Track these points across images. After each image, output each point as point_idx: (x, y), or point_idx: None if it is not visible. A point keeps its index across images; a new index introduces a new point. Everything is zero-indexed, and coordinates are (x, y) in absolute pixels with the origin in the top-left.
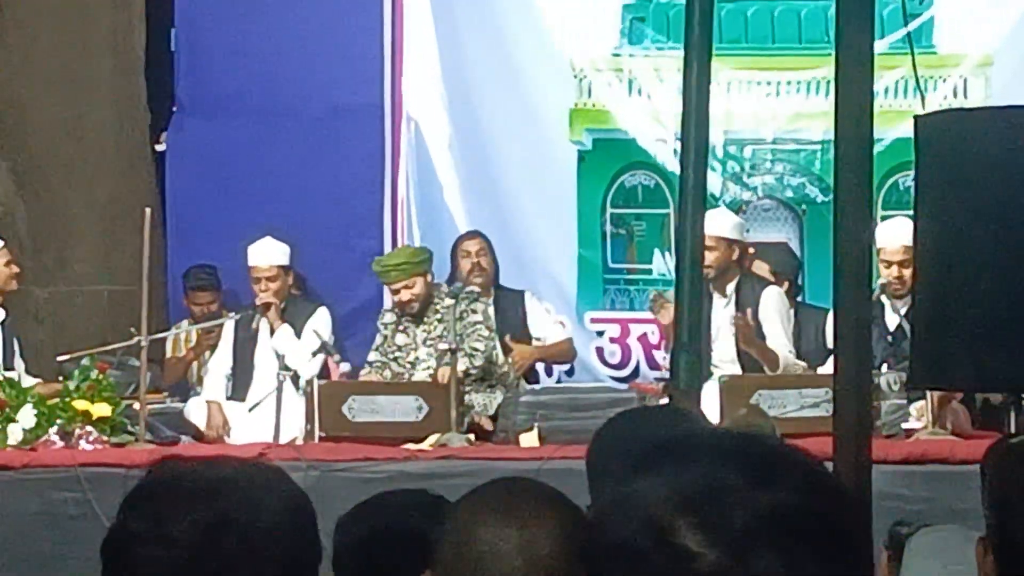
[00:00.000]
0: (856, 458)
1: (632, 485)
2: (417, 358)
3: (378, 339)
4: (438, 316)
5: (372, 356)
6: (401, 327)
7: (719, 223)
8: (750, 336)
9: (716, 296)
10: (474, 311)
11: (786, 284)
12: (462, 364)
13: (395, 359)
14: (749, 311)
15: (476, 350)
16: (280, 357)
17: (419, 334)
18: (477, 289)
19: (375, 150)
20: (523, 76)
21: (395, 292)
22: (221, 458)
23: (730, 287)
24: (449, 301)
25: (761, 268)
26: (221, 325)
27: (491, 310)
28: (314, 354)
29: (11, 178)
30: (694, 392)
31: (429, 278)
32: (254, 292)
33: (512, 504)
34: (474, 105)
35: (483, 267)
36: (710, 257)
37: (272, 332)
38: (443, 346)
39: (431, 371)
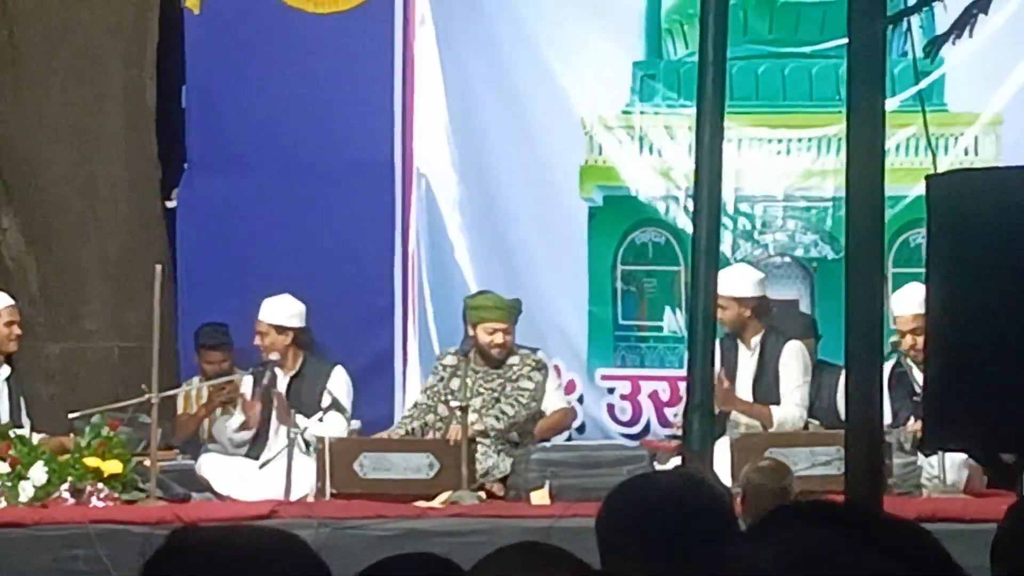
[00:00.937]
0: None
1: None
2: (468, 405)
3: (431, 380)
4: (498, 370)
5: (419, 398)
6: (459, 372)
7: (731, 282)
8: (728, 398)
9: (741, 347)
10: (530, 378)
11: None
12: (481, 424)
13: (445, 401)
14: (723, 370)
15: (504, 414)
16: (292, 416)
17: (476, 381)
18: (544, 360)
19: (385, 206)
20: (534, 133)
21: (489, 332)
22: (240, 527)
23: (755, 340)
24: (513, 359)
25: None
26: (231, 381)
27: (549, 384)
28: (325, 411)
29: (23, 234)
30: (707, 453)
31: (508, 335)
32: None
33: (530, 571)
34: (484, 162)
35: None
36: (723, 315)
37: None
38: (454, 404)
39: (475, 419)
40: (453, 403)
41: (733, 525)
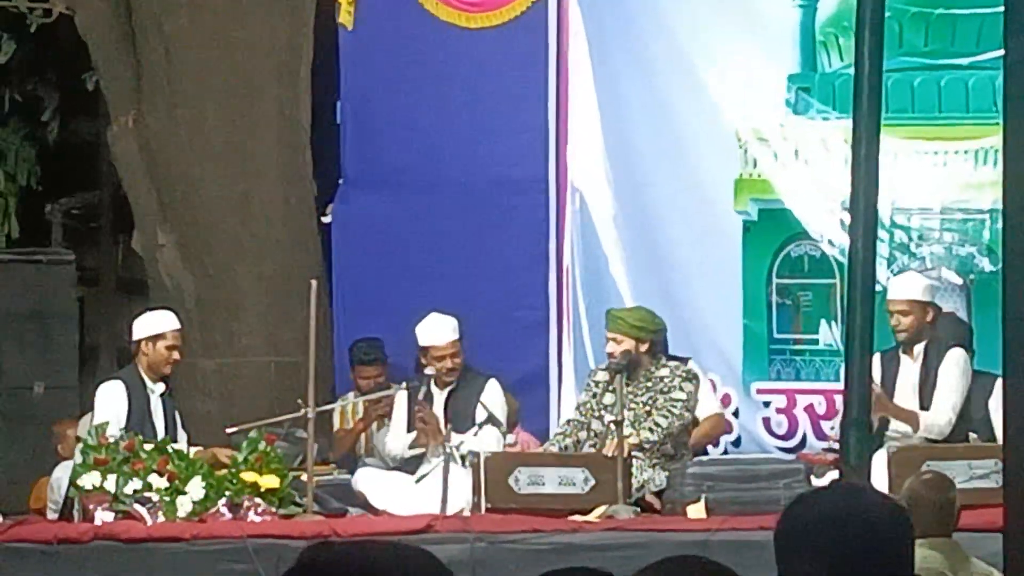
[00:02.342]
0: None
1: None
2: (623, 419)
3: (583, 396)
4: (648, 383)
5: (572, 415)
6: (611, 387)
7: (911, 286)
8: (882, 403)
9: (904, 358)
10: (682, 389)
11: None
12: (636, 437)
13: (599, 417)
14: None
15: (657, 425)
16: (447, 429)
17: (626, 395)
18: (695, 370)
19: (540, 221)
20: (688, 147)
21: (607, 340)
22: (373, 543)
23: (918, 348)
24: (663, 372)
25: None
26: (388, 396)
27: (702, 393)
28: (480, 426)
29: (179, 251)
30: (864, 467)
31: (642, 348)
32: (433, 367)
33: None
34: (638, 176)
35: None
36: (905, 321)
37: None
38: (609, 418)
39: (630, 433)
40: (608, 417)
41: (912, 541)
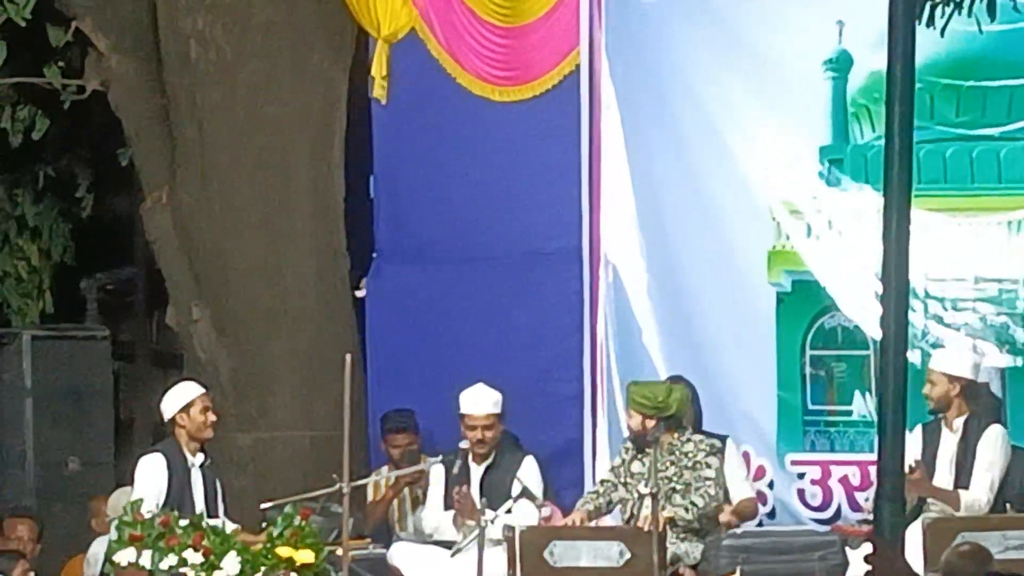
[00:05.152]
0: None
1: None
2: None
3: (616, 459)
4: (671, 457)
5: (606, 475)
6: (640, 456)
7: (947, 359)
8: (920, 485)
9: (945, 430)
10: (708, 465)
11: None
12: (670, 511)
13: (625, 484)
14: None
15: (694, 504)
16: (482, 503)
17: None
18: (719, 443)
19: (574, 294)
20: (720, 219)
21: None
22: None
23: (958, 422)
24: (689, 447)
25: None
26: (421, 470)
27: (739, 473)
28: (515, 499)
29: (213, 326)
30: (898, 540)
31: (649, 424)
32: (467, 438)
33: None
34: (671, 248)
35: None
36: (933, 391)
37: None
38: (643, 490)
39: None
40: (642, 489)
41: None
